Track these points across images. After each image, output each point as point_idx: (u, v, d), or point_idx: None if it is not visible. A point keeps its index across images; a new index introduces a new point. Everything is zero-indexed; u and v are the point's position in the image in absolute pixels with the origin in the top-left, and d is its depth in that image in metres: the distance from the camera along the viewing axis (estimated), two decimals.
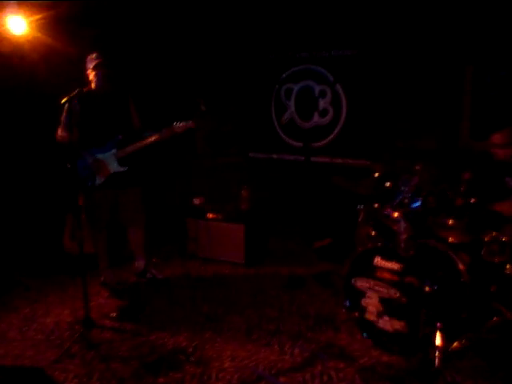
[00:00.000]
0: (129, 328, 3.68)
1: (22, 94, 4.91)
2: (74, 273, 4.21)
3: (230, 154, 6.23)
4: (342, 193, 4.18)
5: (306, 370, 3.09)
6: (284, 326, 3.68)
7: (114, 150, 4.12)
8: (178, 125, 4.15)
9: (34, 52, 4.71)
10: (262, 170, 6.08)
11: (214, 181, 5.86)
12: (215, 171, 5.97)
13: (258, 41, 5.90)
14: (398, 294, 3.13)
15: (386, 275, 3.20)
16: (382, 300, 3.22)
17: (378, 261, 3.26)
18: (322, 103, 5.69)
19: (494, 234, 3.07)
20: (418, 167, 3.50)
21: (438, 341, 2.83)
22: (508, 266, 3.03)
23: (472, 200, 3.26)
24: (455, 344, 3.00)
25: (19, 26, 4.39)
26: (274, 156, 6.11)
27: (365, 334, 3.36)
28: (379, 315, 3.24)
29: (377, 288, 3.25)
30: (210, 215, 5.07)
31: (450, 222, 3.27)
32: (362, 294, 3.33)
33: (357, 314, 3.37)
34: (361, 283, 3.34)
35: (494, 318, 3.05)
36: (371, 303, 3.28)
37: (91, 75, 4.08)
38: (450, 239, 3.24)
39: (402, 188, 3.47)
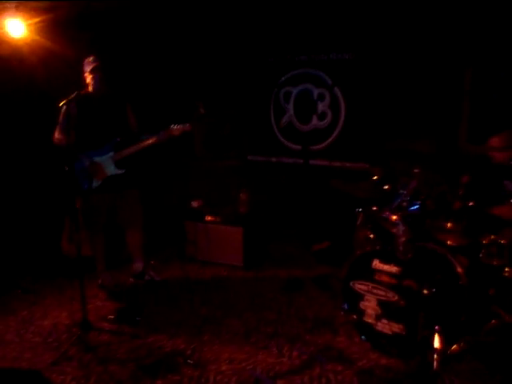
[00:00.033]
0: (126, 330, 3.68)
1: (20, 97, 4.91)
2: (71, 275, 4.20)
3: (229, 157, 6.22)
4: (341, 196, 4.18)
5: (304, 373, 3.09)
6: (282, 328, 3.67)
7: (111, 153, 4.12)
8: (175, 127, 4.15)
9: (33, 55, 4.73)
10: (261, 173, 6.07)
11: (212, 184, 5.85)
12: (214, 174, 5.96)
13: (257, 44, 5.90)
14: (396, 297, 3.13)
15: (385, 278, 3.20)
16: (381, 303, 3.22)
17: (376, 264, 3.26)
18: (320, 106, 5.69)
19: (492, 237, 3.07)
20: (416, 170, 3.50)
21: (437, 344, 2.82)
22: (507, 269, 3.04)
23: (470, 203, 3.26)
24: (454, 347, 3.00)
25: (18, 29, 4.41)
26: (273, 159, 6.11)
27: (363, 337, 3.36)
28: (378, 318, 3.24)
29: (375, 291, 3.24)
30: (209, 218, 5.07)
31: (449, 225, 3.28)
32: (360, 296, 3.33)
33: (355, 316, 3.37)
34: (359, 286, 3.34)
35: (493, 321, 3.05)
36: (369, 306, 3.28)
37: (88, 78, 4.08)
38: (449, 242, 3.24)
39: (401, 191, 3.48)
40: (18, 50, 4.62)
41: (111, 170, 4.13)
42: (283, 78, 5.89)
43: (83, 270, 3.60)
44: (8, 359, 3.31)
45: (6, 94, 4.79)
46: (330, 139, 5.66)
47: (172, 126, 4.15)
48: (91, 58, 4.06)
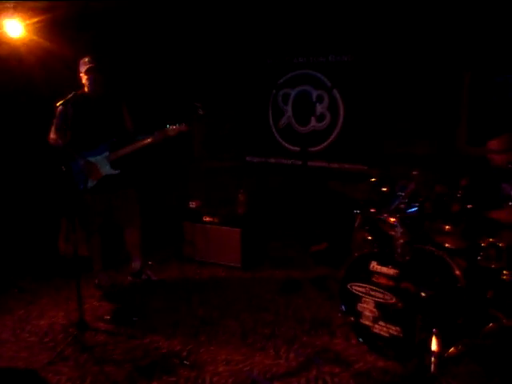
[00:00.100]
0: (123, 331, 3.67)
1: (18, 97, 4.91)
2: (68, 275, 4.20)
3: (227, 158, 6.23)
4: (339, 197, 4.18)
5: (301, 375, 3.08)
6: (279, 330, 3.66)
7: (106, 153, 4.11)
8: (171, 128, 4.15)
9: (31, 55, 4.73)
10: (259, 174, 6.07)
11: (210, 184, 5.86)
12: (212, 175, 5.96)
13: (255, 45, 5.90)
14: (393, 299, 3.13)
15: (382, 280, 3.19)
16: (378, 305, 3.21)
17: (374, 266, 3.25)
18: (319, 108, 5.69)
19: (490, 239, 3.07)
20: (414, 173, 3.50)
21: (434, 346, 2.82)
22: (505, 272, 3.03)
23: (469, 206, 3.26)
24: (451, 350, 2.99)
25: (16, 29, 4.41)
26: (271, 160, 6.11)
27: (360, 339, 3.35)
28: (375, 320, 3.23)
29: (373, 293, 3.24)
30: (207, 218, 5.06)
31: (447, 227, 3.27)
32: (357, 298, 3.33)
33: (352, 318, 3.37)
34: (357, 288, 3.34)
35: (491, 324, 3.04)
36: (367, 308, 3.28)
37: (84, 79, 4.08)
38: (447, 245, 3.24)
39: (399, 193, 3.48)
40: (16, 50, 4.62)
41: (106, 170, 4.13)
42: (282, 80, 5.89)
43: (80, 269, 3.59)
44: (4, 358, 3.30)
45: (5, 94, 4.78)
46: (329, 141, 5.66)
47: (168, 126, 4.15)
48: (87, 59, 4.05)
